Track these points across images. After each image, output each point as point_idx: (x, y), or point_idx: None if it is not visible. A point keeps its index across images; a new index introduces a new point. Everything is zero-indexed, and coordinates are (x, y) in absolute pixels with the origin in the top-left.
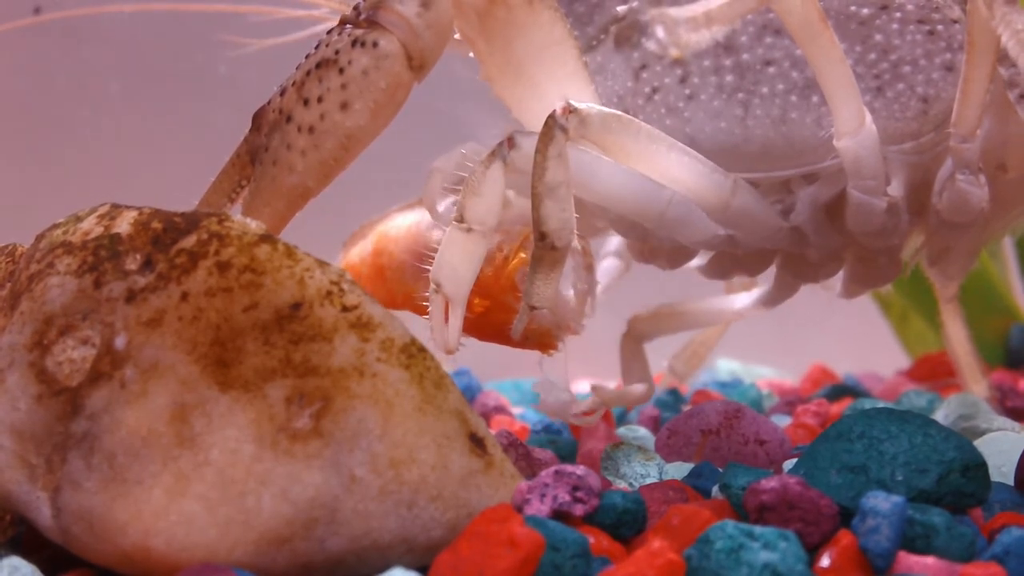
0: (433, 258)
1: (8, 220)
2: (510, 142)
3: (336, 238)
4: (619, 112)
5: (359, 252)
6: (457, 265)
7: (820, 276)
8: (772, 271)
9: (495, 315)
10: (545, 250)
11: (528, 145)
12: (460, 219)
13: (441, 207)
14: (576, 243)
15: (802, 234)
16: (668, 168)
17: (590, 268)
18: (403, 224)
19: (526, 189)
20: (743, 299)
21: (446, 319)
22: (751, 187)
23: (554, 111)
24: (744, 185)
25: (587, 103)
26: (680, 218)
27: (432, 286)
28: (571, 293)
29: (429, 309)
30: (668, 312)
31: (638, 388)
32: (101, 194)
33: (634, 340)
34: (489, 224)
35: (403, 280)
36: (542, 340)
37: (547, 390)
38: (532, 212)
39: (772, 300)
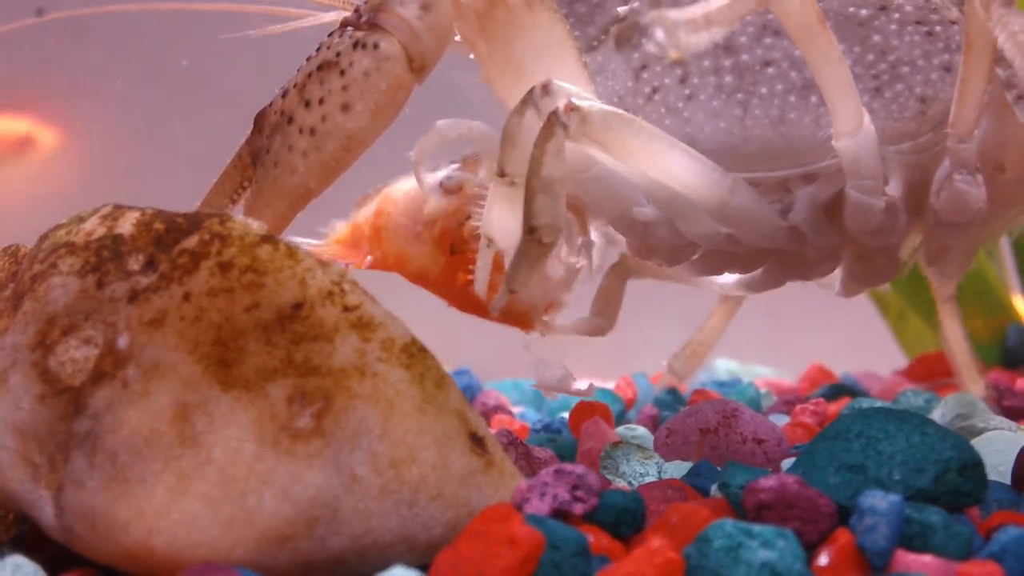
0: (426, 223)
1: (10, 220)
2: (543, 88)
3: None
4: (620, 110)
5: (365, 213)
6: (506, 219)
7: (816, 275)
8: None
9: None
10: (532, 244)
11: (561, 93)
12: (501, 173)
13: (428, 175)
14: (571, 217)
15: (800, 233)
16: (668, 166)
17: (587, 245)
18: (404, 188)
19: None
20: (727, 276)
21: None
22: (750, 186)
23: (556, 108)
24: (743, 184)
25: (589, 101)
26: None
27: (484, 240)
28: (557, 268)
29: (477, 259)
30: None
31: (597, 320)
32: (103, 194)
33: (619, 276)
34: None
35: (396, 241)
36: (520, 319)
37: (542, 368)
38: (524, 205)
39: (757, 287)
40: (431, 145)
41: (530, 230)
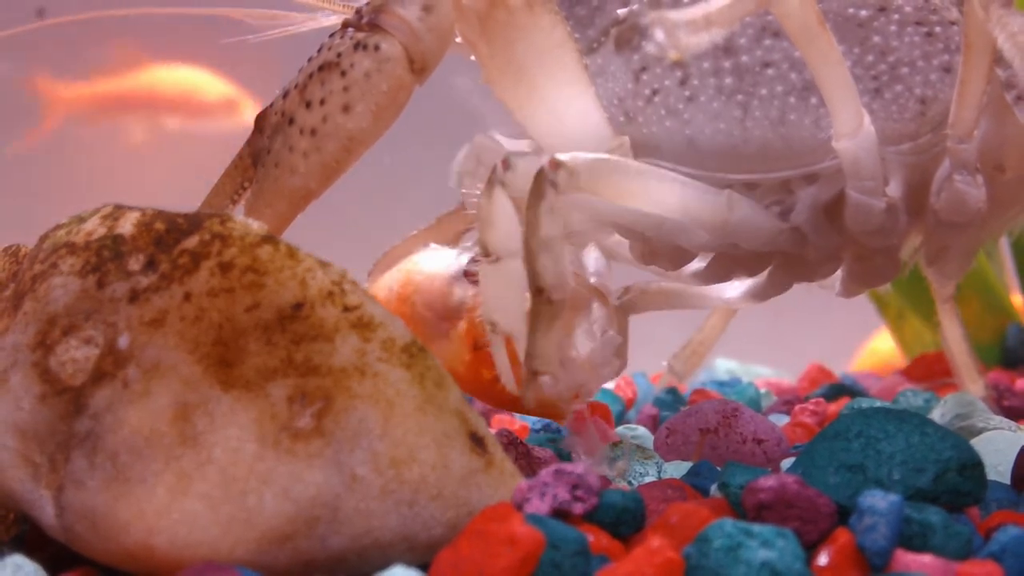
0: (450, 318)
1: (11, 221)
2: (504, 164)
3: (337, 238)
4: (604, 155)
5: (385, 290)
6: (502, 298)
7: (818, 276)
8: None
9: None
10: (542, 304)
11: (523, 165)
12: (486, 253)
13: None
14: (595, 285)
15: (802, 234)
16: (662, 199)
17: (616, 321)
18: (428, 272)
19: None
20: (733, 288)
21: (511, 357)
22: (745, 197)
23: (542, 168)
24: (738, 198)
25: (572, 154)
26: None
27: (488, 327)
28: (586, 349)
29: (492, 352)
30: (658, 289)
31: (615, 363)
32: (104, 195)
33: (622, 313)
34: (513, 248)
35: (422, 335)
36: (549, 409)
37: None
38: (526, 266)
39: (763, 295)
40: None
41: (537, 291)
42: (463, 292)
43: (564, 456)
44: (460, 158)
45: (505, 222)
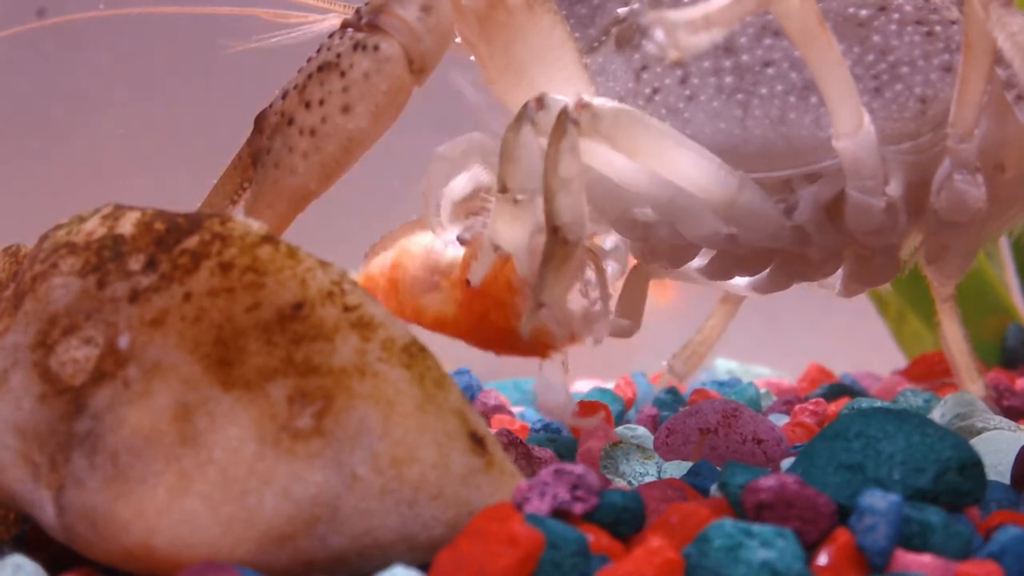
0: (443, 273)
1: (12, 221)
2: (538, 102)
3: (337, 239)
4: (630, 108)
5: (379, 264)
6: (513, 227)
7: (819, 275)
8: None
9: (494, 315)
10: (557, 245)
11: (556, 106)
12: (503, 189)
13: (443, 212)
14: (588, 246)
15: (804, 233)
16: (677, 163)
17: (602, 275)
18: (422, 242)
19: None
20: (739, 280)
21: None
22: (756, 185)
23: (565, 106)
24: (750, 182)
25: (599, 98)
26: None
27: (489, 246)
28: (579, 302)
29: (480, 257)
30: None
31: (622, 322)
32: (104, 195)
33: (640, 276)
34: (532, 188)
35: (414, 293)
36: (541, 343)
37: (545, 391)
38: (544, 205)
39: (764, 289)
40: (438, 174)
41: (553, 230)
42: (455, 253)
43: (564, 456)
44: (449, 144)
45: (527, 160)
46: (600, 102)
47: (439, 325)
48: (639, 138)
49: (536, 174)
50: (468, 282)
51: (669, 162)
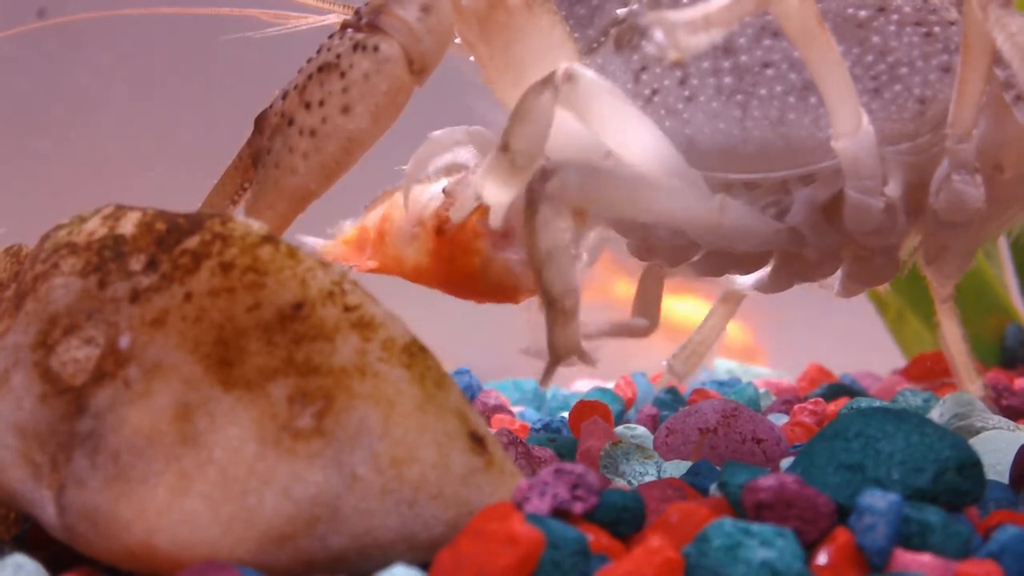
0: (421, 223)
1: (13, 221)
2: (567, 75)
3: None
4: (595, 166)
5: (372, 215)
6: (498, 189)
7: (818, 275)
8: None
9: (461, 261)
10: (557, 313)
11: (586, 83)
12: (505, 147)
13: (424, 187)
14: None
15: (799, 234)
16: (653, 207)
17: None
18: (411, 196)
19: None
20: (745, 279)
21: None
22: (738, 200)
23: (532, 181)
24: (730, 201)
25: (563, 161)
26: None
27: (472, 194)
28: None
29: (463, 201)
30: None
31: (640, 322)
32: (105, 195)
33: (655, 275)
34: (533, 153)
35: (396, 244)
36: (509, 286)
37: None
38: (535, 278)
39: (767, 288)
40: (426, 157)
41: (550, 301)
42: (439, 204)
43: (564, 455)
44: (445, 131)
45: (537, 124)
46: (562, 168)
47: (417, 276)
48: (611, 193)
49: (542, 141)
50: (438, 230)
51: (646, 207)
